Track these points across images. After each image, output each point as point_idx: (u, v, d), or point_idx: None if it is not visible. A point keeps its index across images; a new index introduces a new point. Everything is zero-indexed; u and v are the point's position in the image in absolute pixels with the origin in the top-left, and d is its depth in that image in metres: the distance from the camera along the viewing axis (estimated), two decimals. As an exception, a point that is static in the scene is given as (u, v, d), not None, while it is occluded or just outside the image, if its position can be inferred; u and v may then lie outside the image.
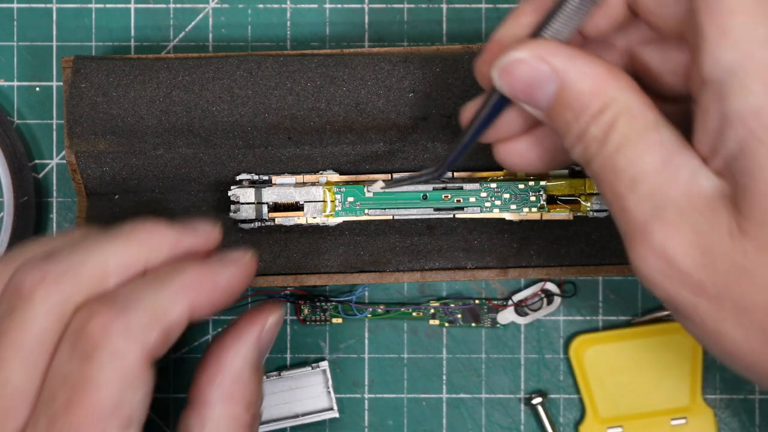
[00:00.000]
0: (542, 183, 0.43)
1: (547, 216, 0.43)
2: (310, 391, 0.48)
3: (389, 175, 0.43)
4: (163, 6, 0.48)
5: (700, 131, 0.30)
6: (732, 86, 0.29)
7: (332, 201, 0.43)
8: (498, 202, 0.43)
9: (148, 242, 0.35)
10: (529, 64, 0.32)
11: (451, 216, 0.43)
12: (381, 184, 0.42)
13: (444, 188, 0.43)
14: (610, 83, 0.31)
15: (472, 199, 0.43)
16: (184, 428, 0.35)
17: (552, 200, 0.43)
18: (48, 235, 0.48)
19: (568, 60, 0.31)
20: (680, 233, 0.29)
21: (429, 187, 0.43)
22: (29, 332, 0.32)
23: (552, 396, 0.48)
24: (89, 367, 0.31)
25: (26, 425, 0.32)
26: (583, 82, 0.31)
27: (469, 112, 0.36)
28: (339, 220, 0.43)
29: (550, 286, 0.48)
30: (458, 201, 0.43)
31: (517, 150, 0.36)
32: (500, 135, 0.36)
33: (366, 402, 0.48)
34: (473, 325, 0.48)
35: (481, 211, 0.43)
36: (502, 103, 0.34)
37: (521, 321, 0.48)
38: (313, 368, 0.47)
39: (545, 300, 0.48)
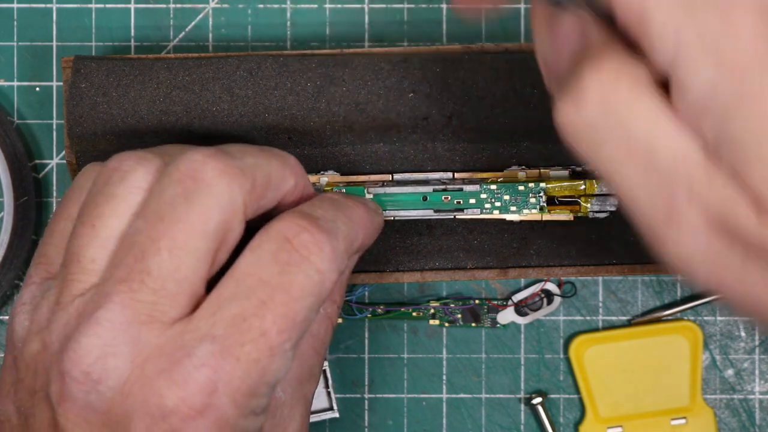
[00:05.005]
0: (542, 185, 0.42)
1: (547, 216, 0.43)
2: (310, 391, 0.48)
3: (390, 175, 0.43)
4: (163, 6, 0.48)
5: None
6: None
7: (332, 202, 0.43)
8: (498, 204, 0.43)
9: (296, 170, 0.36)
10: None
11: (452, 216, 0.43)
12: None
13: (444, 189, 0.43)
14: None
15: (472, 201, 0.43)
16: None
17: (552, 201, 0.43)
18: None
19: None
20: None
21: (429, 188, 0.43)
22: (208, 222, 0.32)
23: (552, 396, 0.48)
24: (292, 277, 0.32)
25: (188, 316, 0.31)
26: None
27: None
28: (339, 220, 0.43)
29: (550, 286, 0.48)
30: (458, 202, 0.43)
31: None
32: None
33: (366, 402, 0.48)
34: (473, 325, 0.48)
35: (481, 213, 0.43)
36: None
37: (521, 321, 0.48)
38: (313, 368, 0.48)
39: (545, 300, 0.48)
